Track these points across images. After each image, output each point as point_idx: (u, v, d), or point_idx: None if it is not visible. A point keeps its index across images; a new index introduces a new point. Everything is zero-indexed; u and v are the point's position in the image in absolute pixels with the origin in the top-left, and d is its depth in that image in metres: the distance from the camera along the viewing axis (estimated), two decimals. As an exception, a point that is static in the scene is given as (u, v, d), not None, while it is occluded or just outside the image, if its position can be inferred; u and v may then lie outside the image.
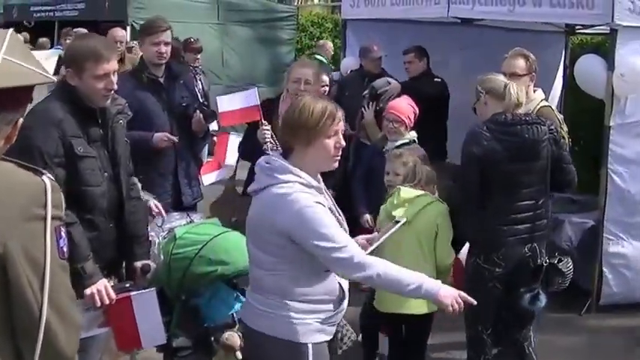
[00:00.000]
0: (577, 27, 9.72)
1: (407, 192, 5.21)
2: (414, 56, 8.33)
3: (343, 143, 3.63)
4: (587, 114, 8.98)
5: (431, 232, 5.16)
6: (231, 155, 7.11)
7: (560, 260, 5.11)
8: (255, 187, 3.63)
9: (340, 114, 3.58)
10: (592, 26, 8.60)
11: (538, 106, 6.02)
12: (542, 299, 5.10)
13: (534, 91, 6.18)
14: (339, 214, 3.70)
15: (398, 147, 6.11)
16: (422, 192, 5.25)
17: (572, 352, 6.58)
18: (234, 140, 7.15)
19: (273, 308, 3.56)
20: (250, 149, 5.92)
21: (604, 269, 7.30)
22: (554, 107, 6.14)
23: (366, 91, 7.95)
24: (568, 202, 7.70)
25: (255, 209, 3.63)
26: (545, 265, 5.05)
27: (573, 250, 7.15)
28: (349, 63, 9.52)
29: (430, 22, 9.24)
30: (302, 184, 3.51)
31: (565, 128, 6.04)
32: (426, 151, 6.36)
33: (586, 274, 7.10)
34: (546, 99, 6.55)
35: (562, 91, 9.87)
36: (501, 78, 5.24)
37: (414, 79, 8.24)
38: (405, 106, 6.39)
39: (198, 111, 6.04)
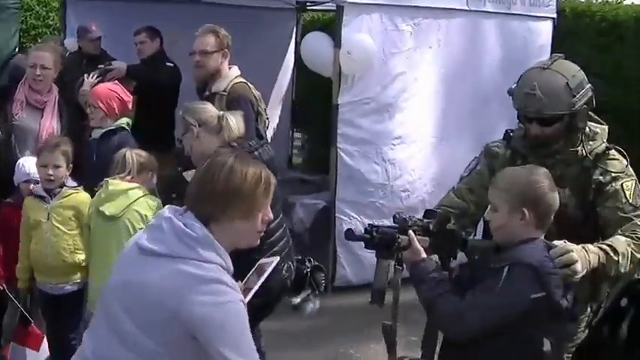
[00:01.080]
0: (307, 3, 9.65)
1: (116, 184, 4.80)
2: (146, 36, 7.86)
3: (271, 216, 2.89)
4: (318, 92, 8.93)
5: (141, 227, 4.77)
6: None
7: (309, 260, 5.08)
8: (157, 248, 2.72)
9: (274, 181, 2.89)
10: (322, 3, 8.54)
11: (232, 82, 5.80)
12: (316, 302, 5.06)
13: (229, 68, 5.94)
14: None
15: (103, 135, 5.62)
16: (133, 185, 4.85)
17: (308, 335, 6.45)
18: None
19: None
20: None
21: (338, 250, 7.24)
22: (250, 84, 5.87)
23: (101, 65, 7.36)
24: (299, 182, 7.59)
25: (148, 274, 2.70)
26: (307, 271, 4.98)
27: (306, 231, 7.04)
28: (68, 45, 8.88)
29: (157, 1, 8.80)
30: (222, 267, 2.72)
31: (263, 106, 5.90)
32: (152, 139, 6.07)
33: (320, 255, 6.98)
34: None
35: (293, 69, 9.78)
36: (212, 108, 4.80)
37: (146, 61, 7.79)
38: (103, 91, 5.79)
39: None
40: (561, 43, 9.18)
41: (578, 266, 3.31)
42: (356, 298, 7.20)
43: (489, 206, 3.35)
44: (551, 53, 8.70)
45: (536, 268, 3.08)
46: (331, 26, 9.05)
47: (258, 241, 2.91)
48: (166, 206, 2.88)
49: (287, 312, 5.22)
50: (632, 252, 3.66)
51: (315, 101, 9.16)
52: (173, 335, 2.67)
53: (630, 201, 3.73)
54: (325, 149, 7.81)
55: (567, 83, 3.66)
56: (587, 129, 3.81)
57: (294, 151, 11.05)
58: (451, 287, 3.21)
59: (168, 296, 2.64)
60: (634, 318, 3.99)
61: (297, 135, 11.63)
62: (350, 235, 3.30)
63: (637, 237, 3.70)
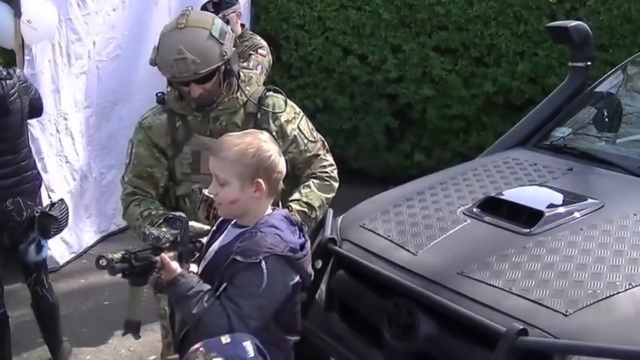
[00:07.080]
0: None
1: None
2: None
3: None
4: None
5: None
6: None
7: (53, 205, 5.04)
8: None
9: None
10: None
11: None
12: (46, 246, 5.14)
13: None
14: None
15: None
16: None
17: (22, 327, 6.05)
18: None
19: None
20: None
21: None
22: None
23: None
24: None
25: None
26: (37, 215, 4.95)
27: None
28: None
29: None
30: None
31: None
32: None
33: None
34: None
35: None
36: None
37: None
38: None
39: None
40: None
41: None
42: (67, 282, 7.03)
43: (214, 182, 3.01)
44: (251, 8, 8.93)
45: (288, 257, 2.89)
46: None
47: None
48: None
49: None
50: (325, 198, 3.80)
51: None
52: None
53: (310, 138, 3.85)
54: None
55: (211, 33, 3.57)
56: (242, 75, 3.79)
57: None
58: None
59: None
60: (330, 278, 4.10)
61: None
62: (106, 267, 2.78)
63: (327, 176, 3.86)
